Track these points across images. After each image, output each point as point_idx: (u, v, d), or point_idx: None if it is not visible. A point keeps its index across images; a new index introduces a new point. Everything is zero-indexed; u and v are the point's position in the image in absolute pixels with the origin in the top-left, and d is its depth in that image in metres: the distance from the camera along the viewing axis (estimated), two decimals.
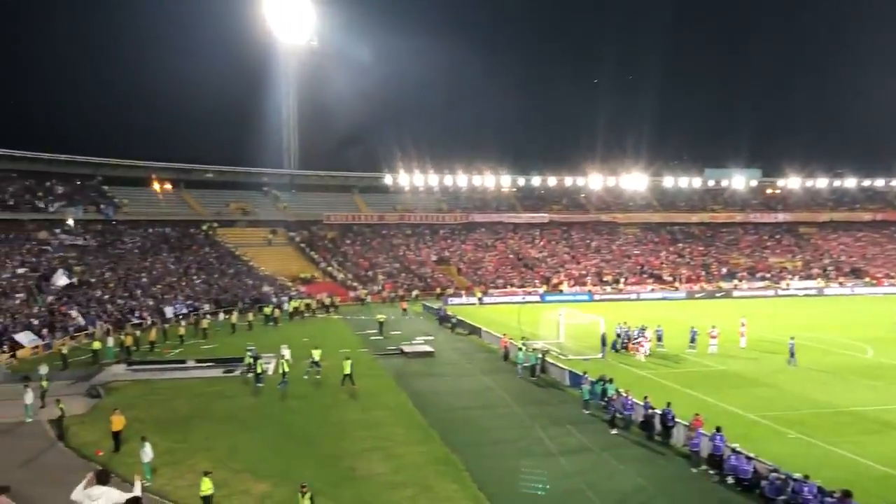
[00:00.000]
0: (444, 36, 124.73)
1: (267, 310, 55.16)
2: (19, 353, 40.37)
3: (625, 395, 25.48)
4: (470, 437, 24.13)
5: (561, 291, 72.42)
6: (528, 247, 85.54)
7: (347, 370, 31.77)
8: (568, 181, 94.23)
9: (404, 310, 57.48)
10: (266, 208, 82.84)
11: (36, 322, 44.71)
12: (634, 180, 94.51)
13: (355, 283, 71.76)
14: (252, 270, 69.76)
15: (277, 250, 77.17)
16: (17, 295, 48.37)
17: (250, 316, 53.32)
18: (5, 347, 40.00)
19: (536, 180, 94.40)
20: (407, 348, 41.54)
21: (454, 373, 35.71)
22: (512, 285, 74.12)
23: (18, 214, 60.27)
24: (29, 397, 28.35)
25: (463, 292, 70.66)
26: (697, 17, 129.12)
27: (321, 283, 70.77)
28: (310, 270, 73.54)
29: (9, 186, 63.34)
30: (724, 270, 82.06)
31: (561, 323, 41.81)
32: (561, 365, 33.97)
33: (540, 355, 34.64)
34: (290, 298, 61.42)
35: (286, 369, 32.37)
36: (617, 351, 39.85)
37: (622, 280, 77.23)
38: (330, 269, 74.77)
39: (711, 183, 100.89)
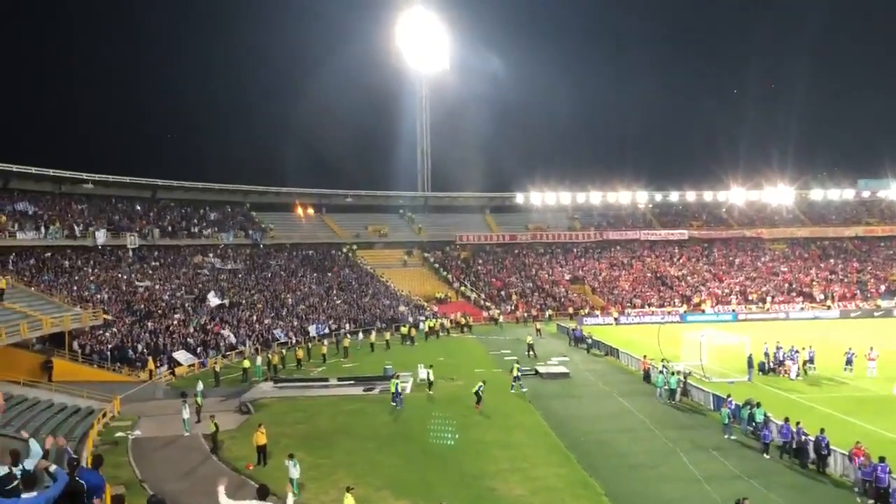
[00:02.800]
0: (578, 50, 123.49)
1: (404, 329, 56.35)
2: (177, 370, 43.26)
3: (783, 421, 23.96)
4: (608, 461, 23.56)
5: (703, 311, 69.60)
6: (666, 265, 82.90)
7: (477, 389, 31.85)
8: (708, 195, 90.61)
9: (538, 330, 57.08)
10: (401, 230, 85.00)
11: (192, 341, 47.76)
12: (780, 193, 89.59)
13: (488, 303, 72.06)
14: (389, 290, 71.59)
15: (413, 271, 78.87)
16: (175, 315, 51.91)
17: (388, 335, 54.64)
18: (165, 365, 42.99)
19: (674, 195, 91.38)
20: (542, 369, 41.18)
21: (590, 394, 35.04)
22: (650, 305, 71.98)
23: (176, 240, 64.86)
24: (186, 412, 30.28)
25: (598, 312, 69.34)
26: (848, 16, 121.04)
27: (455, 302, 71.58)
28: (443, 290, 74.58)
29: (168, 214, 68.34)
30: (883, 288, 76.06)
31: (703, 344, 40.17)
32: (704, 388, 32.59)
33: (681, 378, 33.38)
34: (426, 318, 62.47)
35: (399, 390, 32.79)
36: (765, 373, 37.78)
37: (769, 299, 73.21)
38: (463, 288, 75.53)
39: (866, 194, 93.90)
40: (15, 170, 54.63)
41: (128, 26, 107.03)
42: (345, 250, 78.49)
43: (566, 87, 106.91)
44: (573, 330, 54.75)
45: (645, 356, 39.36)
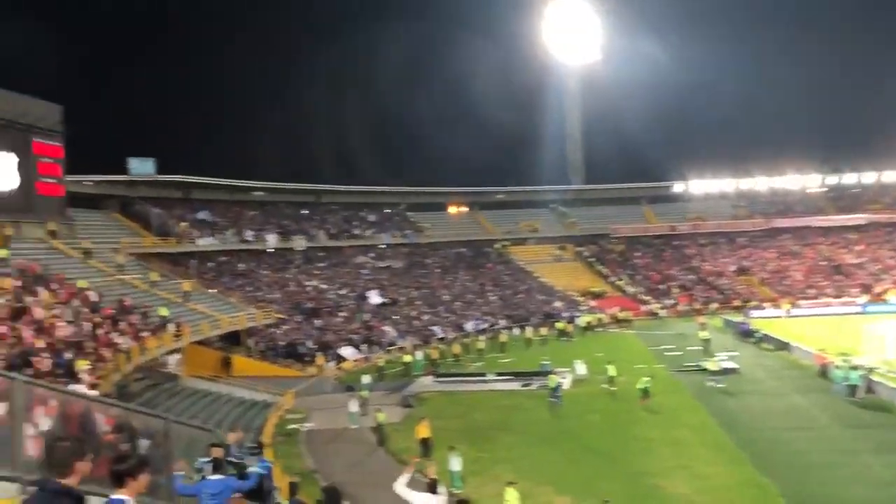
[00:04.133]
0: (742, 26, 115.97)
1: (560, 325, 55.87)
2: (344, 365, 45.28)
3: None
4: (783, 461, 22.17)
5: (885, 301, 63.93)
6: (842, 252, 76.84)
7: (643, 385, 30.97)
8: (888, 176, 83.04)
9: (702, 324, 54.66)
10: (554, 225, 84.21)
11: (356, 337, 49.82)
12: None
13: (647, 297, 69.93)
14: (543, 286, 71.23)
15: (566, 265, 77.94)
16: (341, 313, 54.37)
17: (544, 330, 54.37)
18: (332, 361, 45.13)
19: (850, 177, 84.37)
20: (708, 365, 39.39)
21: (761, 391, 33.14)
22: (825, 295, 67.03)
23: (339, 242, 67.90)
24: (353, 406, 31.64)
25: (767, 304, 65.43)
26: None
27: (612, 297, 70.01)
28: (599, 285, 73.18)
29: (331, 217, 71.68)
30: None
31: (889, 337, 36.82)
32: (892, 384, 29.93)
33: (863, 373, 30.84)
34: (582, 313, 61.61)
35: (556, 384, 32.32)
36: None
37: None
38: (620, 282, 73.74)
39: None
40: (194, 181, 59.37)
41: (258, 39, 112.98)
42: (497, 247, 78.84)
43: (729, 66, 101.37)
44: (740, 323, 51.99)
45: (821, 350, 36.71)
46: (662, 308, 66.30)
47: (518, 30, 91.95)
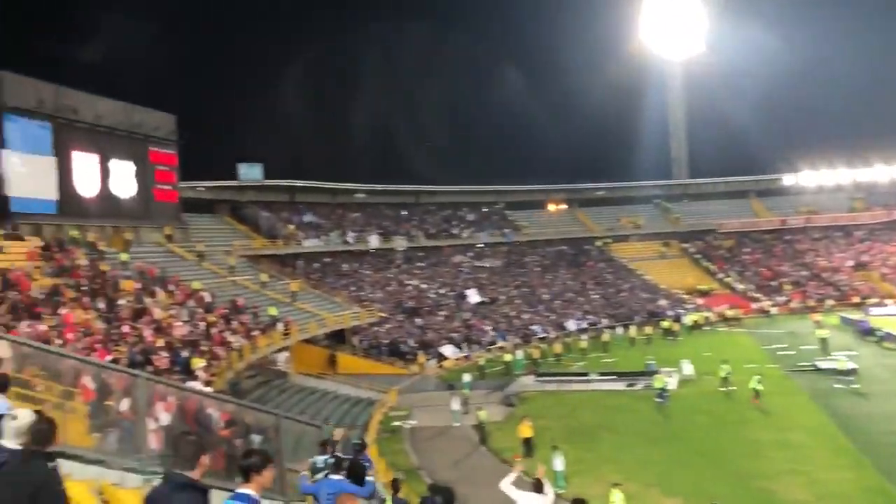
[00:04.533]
0: (855, 5, 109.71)
1: (665, 323, 54.42)
2: (445, 363, 45.67)
3: None
4: None
5: None
6: None
7: (754, 385, 29.79)
8: None
9: (817, 322, 52.04)
10: (657, 221, 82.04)
11: (456, 336, 50.15)
12: None
13: (757, 294, 67.13)
14: (646, 284, 69.60)
15: (671, 262, 75.84)
16: (441, 312, 54.89)
17: (648, 329, 53.11)
18: (434, 359, 45.59)
19: None
20: (823, 364, 37.50)
21: (884, 392, 31.22)
22: None
23: (438, 241, 68.53)
24: (455, 404, 31.86)
25: (890, 301, 61.62)
26: None
27: (719, 294, 67.60)
28: (706, 282, 70.83)
29: (430, 217, 72.44)
30: None
31: None
32: None
33: None
34: (688, 312, 59.84)
35: (662, 385, 31.43)
36: None
37: None
38: (728, 279, 71.11)
39: None
40: (299, 185, 61.34)
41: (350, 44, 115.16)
42: (598, 244, 77.53)
43: (843, 49, 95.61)
44: (859, 321, 49.20)
45: None
46: (774, 305, 63.49)
47: (618, 21, 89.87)
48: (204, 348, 26.69)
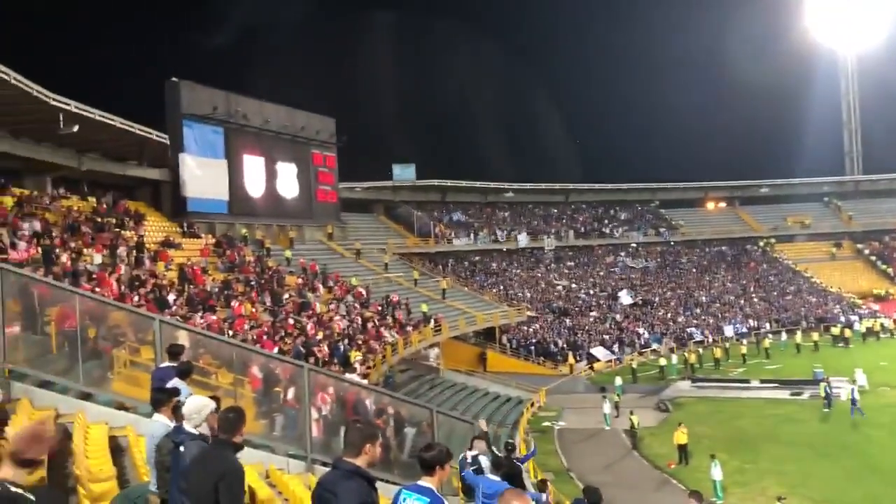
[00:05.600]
0: None
1: (834, 329, 50.70)
2: (595, 365, 44.90)
3: None
4: None
5: None
6: None
7: None
8: None
9: None
10: (827, 219, 76.50)
11: (607, 338, 49.17)
12: None
13: None
14: (814, 287, 65.16)
15: (843, 264, 70.51)
16: (591, 313, 54.00)
17: (815, 336, 49.67)
18: (584, 360, 44.94)
19: None
20: None
21: None
22: None
23: (589, 241, 67.41)
24: (607, 407, 31.29)
25: None
26: None
27: None
28: (883, 286, 65.28)
29: (580, 216, 71.44)
30: None
31: None
32: None
33: None
34: (862, 317, 55.41)
35: (857, 396, 29.11)
36: None
37: None
38: None
39: None
40: (450, 184, 62.37)
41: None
42: (761, 244, 73.39)
43: None
44: None
45: None
46: None
47: (784, 10, 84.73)
48: (360, 342, 27.77)
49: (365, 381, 17.89)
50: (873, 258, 70.60)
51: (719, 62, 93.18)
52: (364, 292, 36.11)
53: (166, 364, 7.87)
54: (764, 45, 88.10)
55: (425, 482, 4.15)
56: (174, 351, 7.98)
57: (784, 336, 50.73)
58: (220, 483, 4.44)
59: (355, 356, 24.05)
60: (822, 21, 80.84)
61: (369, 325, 31.17)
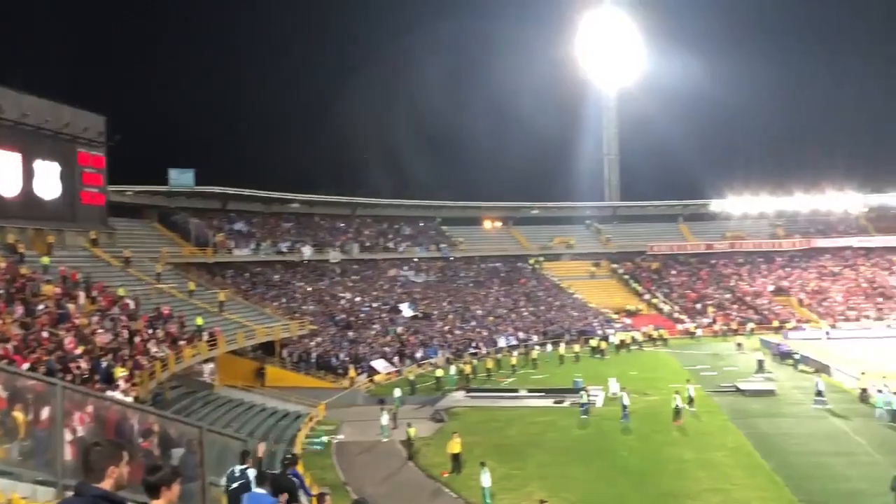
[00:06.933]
0: (782, 44, 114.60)
1: (593, 342, 55.38)
2: (376, 378, 45.33)
3: None
4: (821, 486, 21.68)
5: None
6: (884, 274, 75.17)
7: (676, 404, 30.55)
8: None
9: (739, 345, 53.78)
10: (588, 241, 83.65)
11: (388, 350, 49.89)
12: None
13: (683, 316, 69.03)
14: (576, 302, 70.76)
15: (601, 282, 77.33)
16: (374, 326, 54.55)
17: (577, 347, 53.94)
18: (365, 373, 45.20)
19: (892, 197, 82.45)
20: (743, 385, 38.75)
21: (799, 413, 32.47)
22: (867, 318, 65.53)
23: (374, 254, 68.25)
24: (385, 419, 31.65)
25: (806, 326, 64.19)
26: None
27: (646, 315, 69.23)
28: (634, 302, 72.43)
29: (366, 230, 72.14)
30: None
31: None
32: None
33: None
34: (616, 331, 61.03)
35: (627, 403, 31.93)
36: None
37: None
38: (655, 300, 72.92)
39: None
40: (231, 192, 60.16)
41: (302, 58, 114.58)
42: (531, 262, 78.52)
43: (770, 84, 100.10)
44: (777, 345, 51.09)
45: (862, 373, 35.88)
46: (698, 327, 65.36)
47: (554, 45, 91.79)
48: (126, 357, 25.83)
49: (130, 399, 16.67)
50: (626, 277, 78.06)
51: (499, 96, 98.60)
52: (132, 304, 33.66)
53: None
54: (541, 80, 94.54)
55: None
56: None
57: (550, 347, 54.62)
58: None
59: (120, 372, 22.34)
60: (589, 56, 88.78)
61: (137, 338, 29.09)
